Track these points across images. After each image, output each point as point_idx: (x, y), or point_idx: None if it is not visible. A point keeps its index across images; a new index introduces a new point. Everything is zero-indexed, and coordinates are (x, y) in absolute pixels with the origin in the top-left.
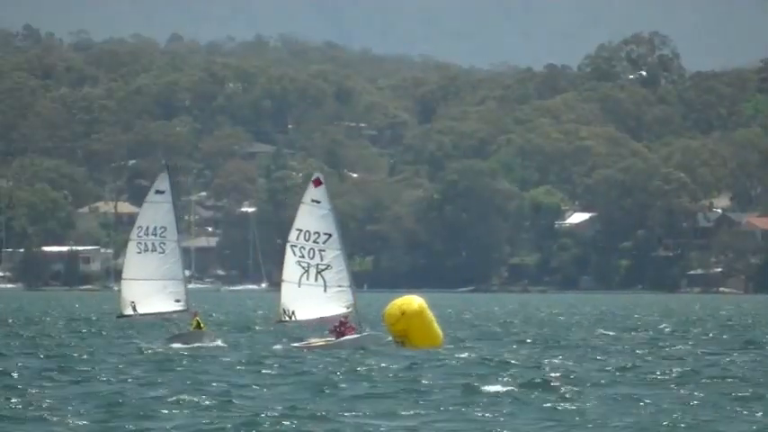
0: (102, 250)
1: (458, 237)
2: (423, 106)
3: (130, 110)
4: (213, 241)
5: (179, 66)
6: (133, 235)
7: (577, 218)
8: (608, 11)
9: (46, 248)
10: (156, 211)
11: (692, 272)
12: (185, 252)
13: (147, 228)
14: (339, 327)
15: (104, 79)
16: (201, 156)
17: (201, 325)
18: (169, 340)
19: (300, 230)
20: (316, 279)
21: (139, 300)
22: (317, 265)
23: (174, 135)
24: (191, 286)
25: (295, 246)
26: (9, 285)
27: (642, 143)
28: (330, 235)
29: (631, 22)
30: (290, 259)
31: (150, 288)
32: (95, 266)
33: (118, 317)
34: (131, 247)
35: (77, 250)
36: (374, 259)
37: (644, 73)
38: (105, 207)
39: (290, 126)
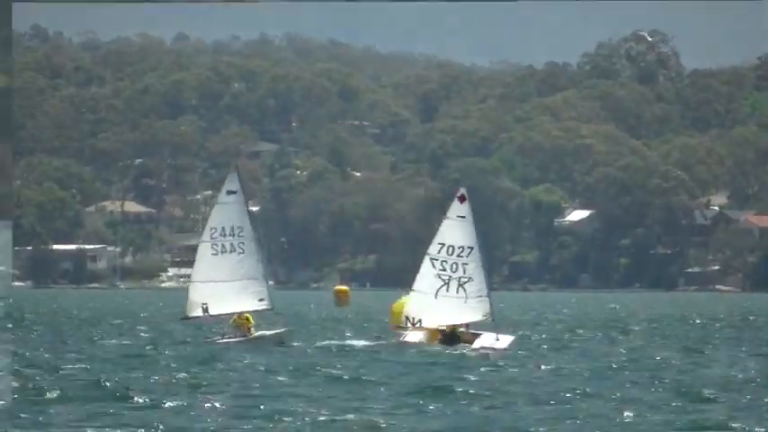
0: (110, 249)
1: None
2: (425, 104)
3: (137, 109)
4: None
5: (185, 65)
6: (206, 236)
7: (577, 215)
8: (607, 9)
9: (54, 247)
10: (229, 212)
11: (689, 270)
12: None
13: (223, 229)
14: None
15: (111, 79)
16: (207, 155)
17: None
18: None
19: (443, 244)
20: (457, 291)
21: (213, 302)
22: (459, 278)
23: (181, 134)
24: None
25: (436, 259)
26: (18, 283)
27: (641, 141)
28: (472, 248)
29: (631, 20)
30: (429, 271)
31: (228, 289)
32: (102, 265)
33: (182, 318)
34: (204, 249)
35: (85, 249)
36: (377, 257)
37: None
38: (112, 206)
39: (294, 124)
